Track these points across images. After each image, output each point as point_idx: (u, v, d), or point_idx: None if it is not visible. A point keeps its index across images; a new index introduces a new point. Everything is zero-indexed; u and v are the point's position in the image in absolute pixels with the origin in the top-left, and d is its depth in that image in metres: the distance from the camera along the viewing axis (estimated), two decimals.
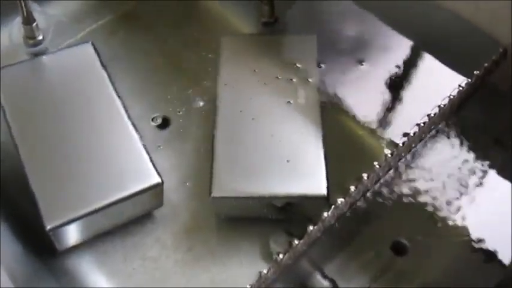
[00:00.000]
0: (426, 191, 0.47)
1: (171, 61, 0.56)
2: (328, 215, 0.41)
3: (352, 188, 0.42)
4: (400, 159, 0.48)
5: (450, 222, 0.46)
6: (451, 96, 0.47)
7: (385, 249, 0.45)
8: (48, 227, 0.40)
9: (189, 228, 0.47)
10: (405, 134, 0.46)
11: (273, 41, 0.52)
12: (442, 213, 0.46)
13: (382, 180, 0.47)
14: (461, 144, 0.50)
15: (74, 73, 0.48)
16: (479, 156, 0.49)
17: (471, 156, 0.49)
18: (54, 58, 0.49)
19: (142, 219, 0.47)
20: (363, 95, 0.54)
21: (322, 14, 0.59)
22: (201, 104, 0.53)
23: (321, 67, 0.53)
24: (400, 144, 0.45)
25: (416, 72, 0.55)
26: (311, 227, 0.40)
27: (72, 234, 0.43)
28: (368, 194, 0.47)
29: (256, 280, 0.38)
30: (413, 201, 0.47)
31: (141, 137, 0.45)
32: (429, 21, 0.56)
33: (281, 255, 0.39)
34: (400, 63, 0.55)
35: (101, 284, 0.44)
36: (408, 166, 0.48)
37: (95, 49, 0.50)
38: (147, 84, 0.55)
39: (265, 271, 0.38)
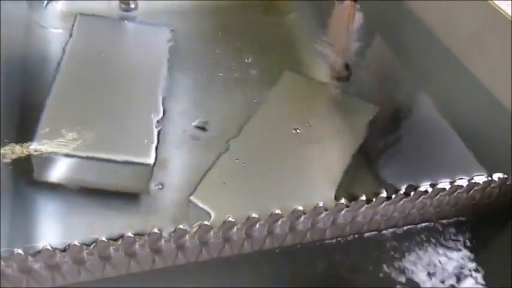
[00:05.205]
0: None
1: (231, 77, 0.56)
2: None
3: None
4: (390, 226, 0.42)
5: None
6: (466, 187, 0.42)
7: None
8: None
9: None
10: (396, 190, 0.41)
11: (329, 91, 0.51)
12: None
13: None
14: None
15: (141, 46, 0.52)
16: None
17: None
18: (131, 27, 0.53)
19: (128, 200, 0.46)
20: None
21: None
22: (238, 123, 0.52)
23: None
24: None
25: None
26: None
27: (52, 170, 0.43)
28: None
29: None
30: None
31: (160, 120, 0.46)
32: None
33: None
34: None
35: (45, 227, 0.43)
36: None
37: (171, 34, 0.53)
38: (200, 89, 0.55)
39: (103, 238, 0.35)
